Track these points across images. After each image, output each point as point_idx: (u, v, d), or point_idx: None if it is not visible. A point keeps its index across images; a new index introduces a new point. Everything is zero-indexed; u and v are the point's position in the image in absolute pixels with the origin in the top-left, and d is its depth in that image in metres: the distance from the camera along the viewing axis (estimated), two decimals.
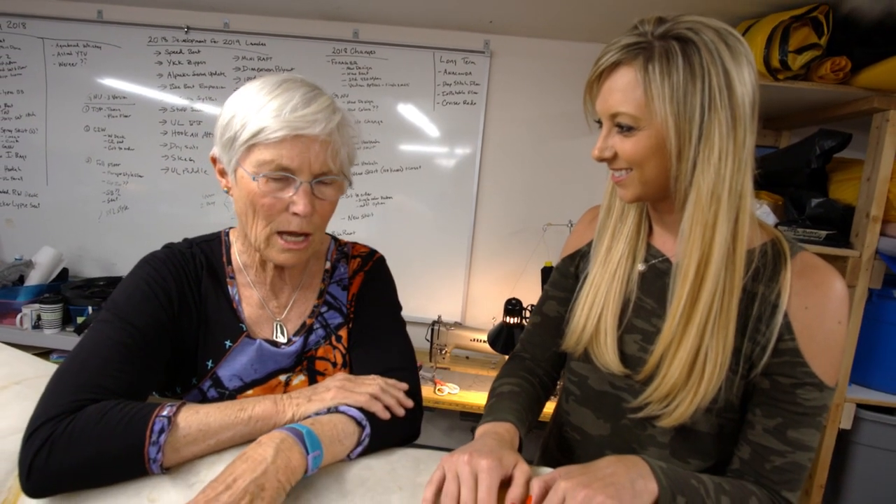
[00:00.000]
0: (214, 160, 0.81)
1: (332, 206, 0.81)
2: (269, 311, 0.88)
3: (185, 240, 0.89)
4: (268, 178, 0.73)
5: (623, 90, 0.69)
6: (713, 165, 0.66)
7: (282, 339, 0.87)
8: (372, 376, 0.80)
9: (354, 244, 1.00)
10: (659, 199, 0.77)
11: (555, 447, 0.96)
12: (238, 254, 0.88)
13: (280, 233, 0.78)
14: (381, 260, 0.99)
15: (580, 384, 0.88)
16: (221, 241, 0.90)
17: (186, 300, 0.81)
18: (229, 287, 0.86)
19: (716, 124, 0.65)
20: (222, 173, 0.81)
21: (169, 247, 0.86)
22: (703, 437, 0.76)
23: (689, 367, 0.71)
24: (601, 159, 0.75)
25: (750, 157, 0.69)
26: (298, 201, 0.74)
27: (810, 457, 0.70)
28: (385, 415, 0.74)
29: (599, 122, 0.76)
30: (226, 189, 0.81)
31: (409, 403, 0.79)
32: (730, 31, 0.67)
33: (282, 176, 0.74)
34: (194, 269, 0.84)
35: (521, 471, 0.63)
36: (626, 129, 0.71)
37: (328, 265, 0.95)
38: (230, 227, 0.92)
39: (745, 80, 0.66)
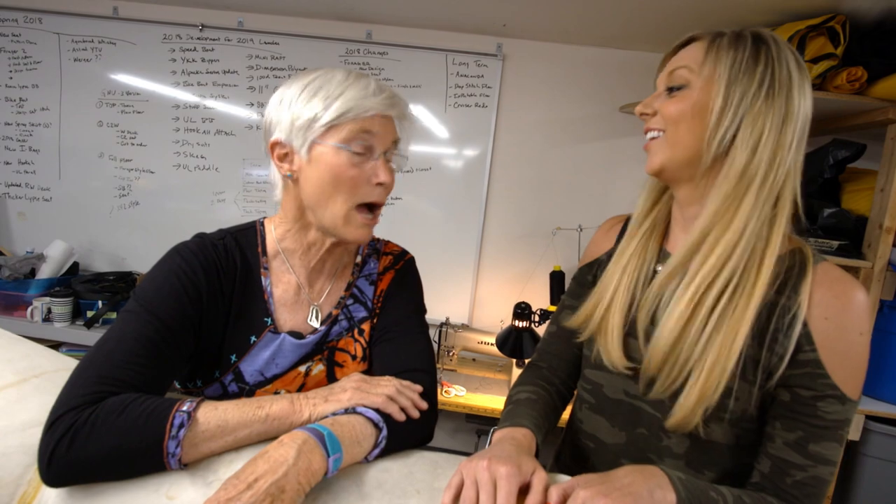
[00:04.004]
0: (274, 147, 0.83)
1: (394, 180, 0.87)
2: (305, 297, 0.90)
3: (220, 230, 0.89)
4: (352, 152, 0.79)
5: (687, 54, 0.74)
6: (752, 144, 0.68)
7: (315, 324, 0.89)
8: (387, 377, 0.81)
9: (387, 242, 1.02)
10: (681, 179, 0.77)
11: (568, 456, 0.95)
12: (278, 240, 0.89)
13: (358, 208, 0.83)
14: (412, 261, 1.01)
15: (594, 392, 0.88)
16: (256, 231, 0.90)
17: (215, 294, 0.82)
18: (262, 278, 0.87)
19: (770, 111, 0.68)
20: (283, 158, 0.83)
21: (201, 237, 0.86)
22: (719, 448, 0.75)
23: (679, 338, 0.71)
24: (642, 114, 0.78)
25: (794, 166, 0.70)
26: (380, 171, 0.82)
27: (832, 471, 0.68)
28: (401, 416, 0.74)
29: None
30: (288, 174, 0.83)
31: (424, 405, 0.79)
32: (800, 55, 0.71)
33: (364, 149, 0.80)
34: (226, 261, 0.84)
35: (539, 478, 0.63)
36: (675, 90, 0.73)
37: (359, 259, 0.96)
38: (264, 217, 0.94)
39: (806, 93, 0.70)
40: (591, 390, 0.88)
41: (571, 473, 0.69)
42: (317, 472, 0.61)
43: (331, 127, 0.79)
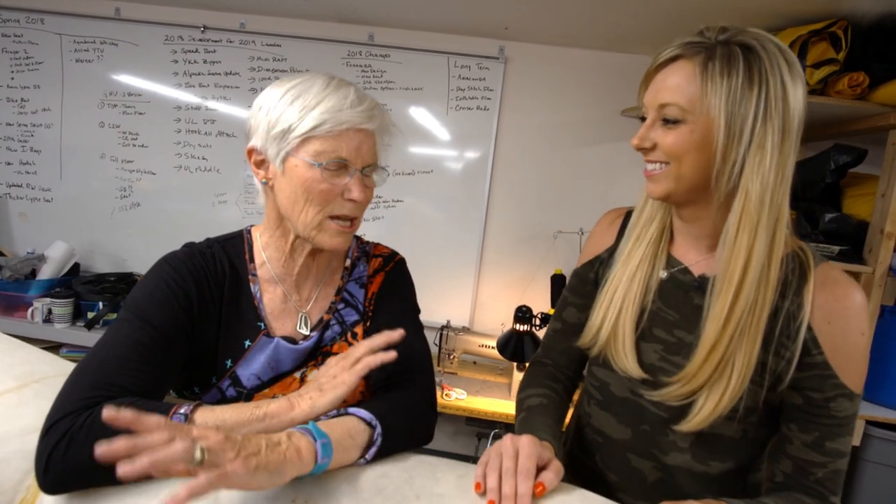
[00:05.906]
0: (251, 152, 0.83)
1: (373, 193, 0.86)
2: (292, 304, 0.89)
3: (207, 239, 0.89)
4: (325, 168, 0.78)
5: (678, 82, 0.71)
6: (762, 173, 0.68)
7: (305, 331, 0.88)
8: (356, 345, 0.79)
9: (377, 244, 1.01)
10: (686, 203, 0.77)
11: (577, 447, 0.97)
12: (263, 248, 0.89)
13: (331, 217, 0.81)
14: (403, 262, 1.00)
15: (601, 389, 0.89)
16: (244, 239, 0.91)
17: (206, 301, 0.82)
18: (251, 285, 0.87)
19: (769, 132, 0.67)
20: (259, 164, 0.83)
21: (189, 246, 0.86)
22: (724, 441, 0.78)
23: (715, 371, 0.73)
24: (640, 148, 0.76)
25: (790, 173, 0.70)
26: (353, 188, 0.80)
27: (847, 460, 0.73)
28: (390, 357, 0.74)
29: (642, 119, 0.77)
30: (264, 180, 0.83)
31: (396, 337, 0.77)
32: (789, 50, 0.70)
33: (339, 165, 0.78)
34: (214, 269, 0.84)
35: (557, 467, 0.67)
36: (671, 123, 0.71)
37: (348, 262, 0.96)
38: (251, 225, 0.93)
39: (799, 97, 0.68)
40: (598, 387, 0.90)
41: (579, 461, 0.72)
42: (305, 454, 0.62)
43: (305, 139, 0.77)
